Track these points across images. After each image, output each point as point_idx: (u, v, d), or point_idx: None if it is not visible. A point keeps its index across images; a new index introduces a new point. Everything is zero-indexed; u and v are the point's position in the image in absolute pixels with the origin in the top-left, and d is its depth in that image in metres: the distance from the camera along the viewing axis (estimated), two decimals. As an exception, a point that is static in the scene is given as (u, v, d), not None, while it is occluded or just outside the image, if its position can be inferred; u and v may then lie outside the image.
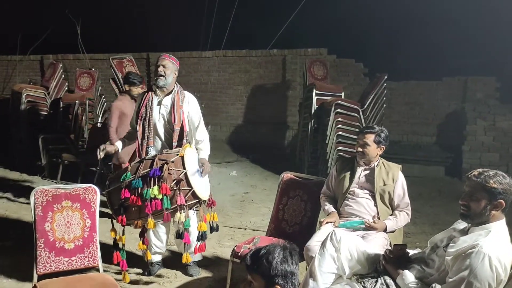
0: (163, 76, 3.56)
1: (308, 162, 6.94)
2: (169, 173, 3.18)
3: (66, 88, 8.54)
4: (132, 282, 3.63)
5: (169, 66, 3.58)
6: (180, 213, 3.21)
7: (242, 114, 9.78)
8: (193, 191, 3.25)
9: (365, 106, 6.54)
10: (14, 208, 5.56)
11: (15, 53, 10.86)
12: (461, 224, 2.45)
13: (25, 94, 7.39)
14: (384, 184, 3.32)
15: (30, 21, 11.33)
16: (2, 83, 11.20)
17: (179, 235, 3.33)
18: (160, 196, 3.14)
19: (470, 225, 2.33)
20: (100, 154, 3.58)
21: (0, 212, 5.39)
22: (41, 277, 3.04)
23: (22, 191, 6.14)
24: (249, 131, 9.57)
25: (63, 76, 8.57)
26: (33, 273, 3.09)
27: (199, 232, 3.49)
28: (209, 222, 3.56)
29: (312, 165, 6.81)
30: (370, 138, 3.34)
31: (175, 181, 3.21)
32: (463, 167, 7.34)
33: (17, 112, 7.44)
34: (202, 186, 3.42)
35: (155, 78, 3.62)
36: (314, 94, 6.89)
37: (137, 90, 4.94)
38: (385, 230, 3.20)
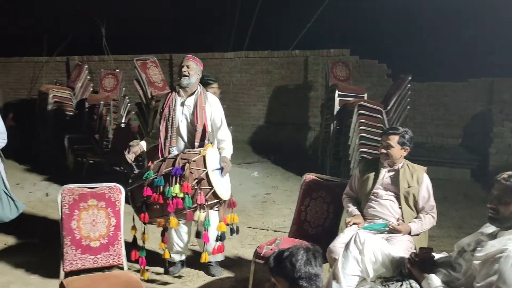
0: (187, 76, 3.61)
1: (330, 164, 6.89)
2: (190, 172, 3.20)
3: (91, 89, 8.72)
4: (154, 280, 3.67)
5: (193, 67, 3.64)
6: (200, 212, 3.23)
7: (263, 115, 9.78)
8: (214, 191, 3.26)
9: (389, 107, 6.45)
10: (41, 206, 5.68)
11: (42, 55, 11.12)
12: (489, 228, 2.39)
13: (51, 95, 7.56)
14: (409, 186, 3.26)
15: (57, 23, 11.59)
16: (29, 84, 11.47)
17: (198, 234, 3.35)
18: (181, 195, 3.17)
19: (498, 229, 2.28)
20: (130, 157, 3.56)
21: (27, 210, 5.49)
22: (67, 274, 3.10)
23: (48, 190, 6.28)
24: (270, 132, 9.55)
25: (88, 77, 8.75)
26: (60, 270, 3.16)
27: (218, 232, 3.50)
28: (230, 224, 3.56)
29: (334, 166, 6.75)
30: (394, 139, 3.30)
31: (196, 180, 3.23)
32: (489, 170, 7.17)
33: (44, 113, 7.61)
34: (223, 186, 3.43)
35: (179, 78, 3.66)
36: (336, 95, 6.83)
37: (212, 90, 4.83)
38: (409, 233, 3.16)
